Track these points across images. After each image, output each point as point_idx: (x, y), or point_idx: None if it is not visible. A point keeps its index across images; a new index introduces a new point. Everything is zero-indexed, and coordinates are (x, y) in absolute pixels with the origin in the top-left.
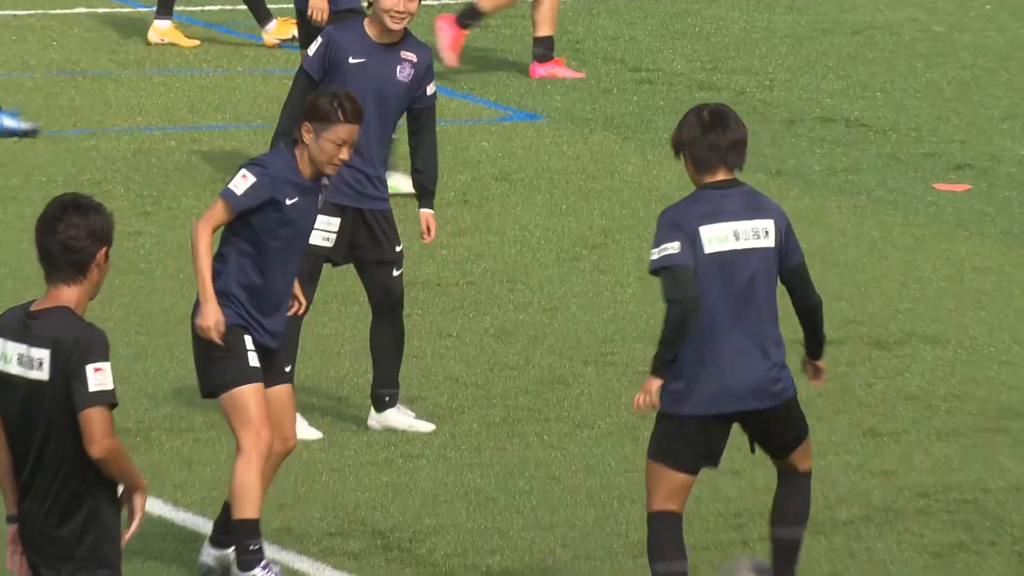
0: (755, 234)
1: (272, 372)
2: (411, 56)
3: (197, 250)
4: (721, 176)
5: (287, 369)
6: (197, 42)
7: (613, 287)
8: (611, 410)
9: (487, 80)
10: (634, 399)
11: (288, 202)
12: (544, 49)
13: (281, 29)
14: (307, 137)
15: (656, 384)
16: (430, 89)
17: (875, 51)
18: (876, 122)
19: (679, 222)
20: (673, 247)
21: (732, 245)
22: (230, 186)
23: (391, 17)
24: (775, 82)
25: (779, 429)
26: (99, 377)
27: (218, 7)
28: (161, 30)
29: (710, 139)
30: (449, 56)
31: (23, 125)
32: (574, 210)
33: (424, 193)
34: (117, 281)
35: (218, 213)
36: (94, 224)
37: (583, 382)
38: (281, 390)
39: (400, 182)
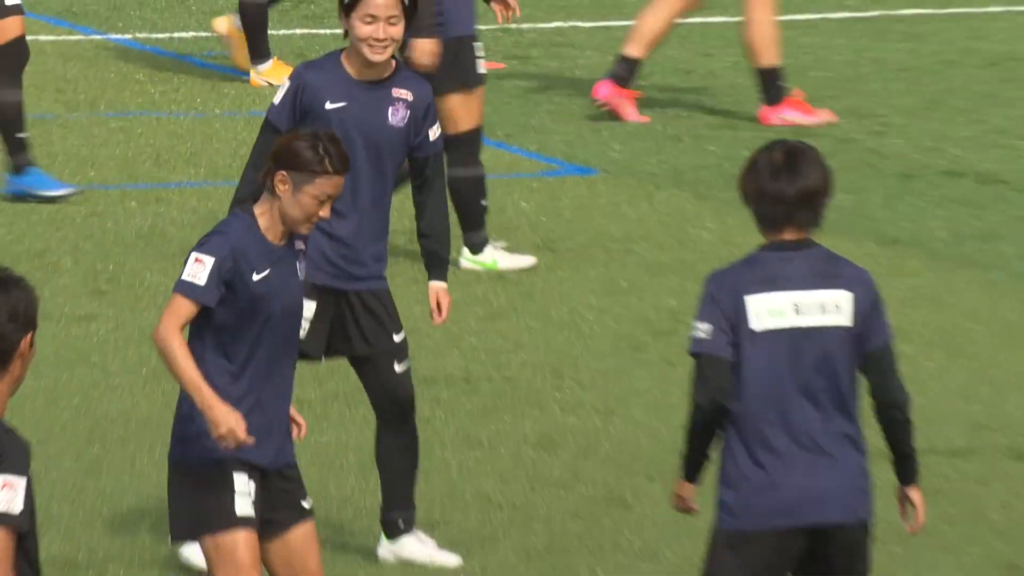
0: (822, 308)
1: (286, 508)
2: (405, 94)
3: (171, 352)
4: (789, 235)
5: (305, 504)
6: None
7: (684, 383)
8: (681, 537)
9: (526, 124)
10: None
11: (256, 277)
12: (624, 70)
13: (276, 71)
14: (281, 189)
15: (687, 488)
16: (433, 133)
17: (1015, 89)
18: (1016, 177)
19: (719, 293)
20: (704, 330)
21: (790, 321)
22: (185, 277)
23: (370, 47)
24: (889, 127)
25: (837, 562)
26: (5, 495)
27: (191, 33)
28: (262, 72)
29: (777, 188)
30: (825, 116)
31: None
32: (636, 287)
33: (434, 262)
34: (64, 376)
35: (181, 310)
36: (16, 303)
37: (647, 502)
38: (302, 530)
39: (493, 256)
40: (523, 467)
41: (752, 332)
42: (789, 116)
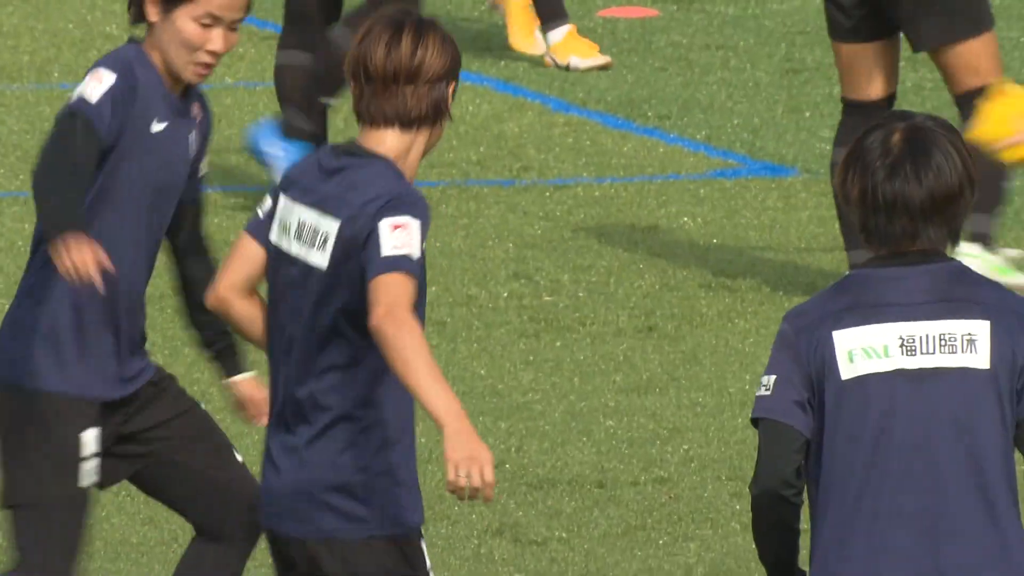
0: (946, 344)
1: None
2: (198, 113)
3: (416, 349)
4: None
5: None
6: (608, 59)
7: None
8: None
9: (690, 100)
10: None
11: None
12: None
13: (575, 45)
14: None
15: None
16: (204, 166)
17: None
18: None
19: (793, 332)
20: (765, 385)
21: (897, 363)
22: (397, 251)
23: (195, 67)
24: None
25: None
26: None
27: None
28: (556, 44)
29: (892, 190)
30: None
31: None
32: None
33: (231, 347)
34: None
35: (407, 291)
36: None
37: None
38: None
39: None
40: None
41: (840, 382)
42: None
